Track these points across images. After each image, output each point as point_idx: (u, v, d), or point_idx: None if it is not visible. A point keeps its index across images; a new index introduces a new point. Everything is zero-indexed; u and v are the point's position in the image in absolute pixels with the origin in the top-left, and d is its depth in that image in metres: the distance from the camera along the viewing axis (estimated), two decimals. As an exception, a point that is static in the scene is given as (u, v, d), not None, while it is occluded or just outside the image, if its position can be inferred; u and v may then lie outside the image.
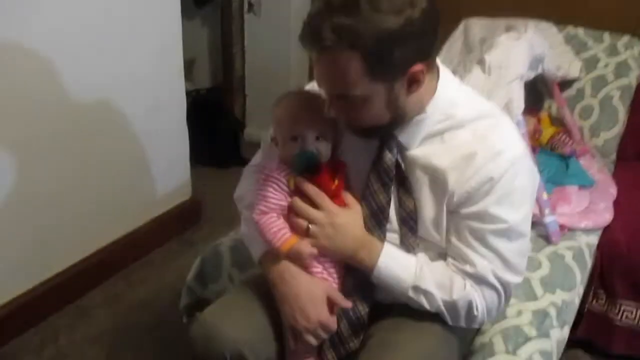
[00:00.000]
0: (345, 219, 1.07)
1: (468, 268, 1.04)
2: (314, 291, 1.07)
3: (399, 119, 1.02)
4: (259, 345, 1.10)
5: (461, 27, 2.32)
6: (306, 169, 1.06)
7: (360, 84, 0.93)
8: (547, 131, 2.11)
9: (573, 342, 1.78)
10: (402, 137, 1.05)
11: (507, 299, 1.09)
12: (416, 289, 1.06)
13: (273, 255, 1.10)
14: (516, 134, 1.05)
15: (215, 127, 2.99)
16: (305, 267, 1.09)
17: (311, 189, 1.06)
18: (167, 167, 2.26)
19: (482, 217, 1.02)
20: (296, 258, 1.08)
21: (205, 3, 3.15)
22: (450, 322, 1.08)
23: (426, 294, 1.05)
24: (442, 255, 1.09)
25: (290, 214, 1.09)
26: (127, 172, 2.10)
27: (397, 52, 0.91)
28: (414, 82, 0.96)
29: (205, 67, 3.41)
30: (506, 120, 1.06)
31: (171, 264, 2.18)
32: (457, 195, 1.02)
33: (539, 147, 2.09)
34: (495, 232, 1.02)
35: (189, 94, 3.12)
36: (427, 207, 1.06)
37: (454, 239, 1.06)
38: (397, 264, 1.06)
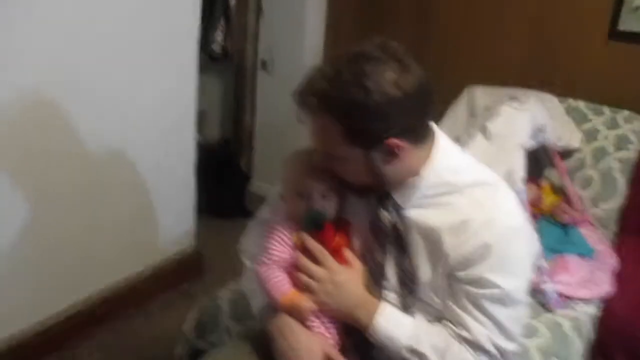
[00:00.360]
0: (345, 276, 1.09)
1: (464, 333, 1.04)
2: (312, 348, 1.07)
3: (381, 183, 1.05)
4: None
5: (465, 94, 2.40)
6: (312, 226, 1.09)
7: (339, 146, 0.99)
8: (549, 199, 2.14)
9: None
10: (398, 198, 1.08)
11: None
12: (411, 350, 1.06)
13: (273, 309, 1.12)
14: (514, 202, 1.07)
15: (222, 179, 3.04)
16: (304, 322, 1.10)
17: (314, 246, 1.09)
18: (173, 216, 2.29)
19: (477, 282, 1.03)
20: (295, 312, 1.09)
21: (220, 59, 3.26)
22: None
23: (421, 356, 1.05)
24: (440, 317, 1.10)
25: (293, 269, 1.10)
26: (132, 220, 2.12)
27: (373, 126, 0.97)
28: (391, 155, 1.00)
29: (216, 120, 3.49)
30: (504, 189, 1.08)
31: (169, 315, 2.17)
32: (452, 259, 1.04)
33: (540, 214, 2.11)
34: (491, 298, 1.03)
35: (197, 145, 3.22)
36: (425, 269, 1.08)
37: (450, 303, 1.07)
38: (394, 324, 1.07)
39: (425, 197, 1.07)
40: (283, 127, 3.13)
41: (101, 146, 1.90)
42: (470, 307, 1.04)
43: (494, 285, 1.02)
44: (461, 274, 1.04)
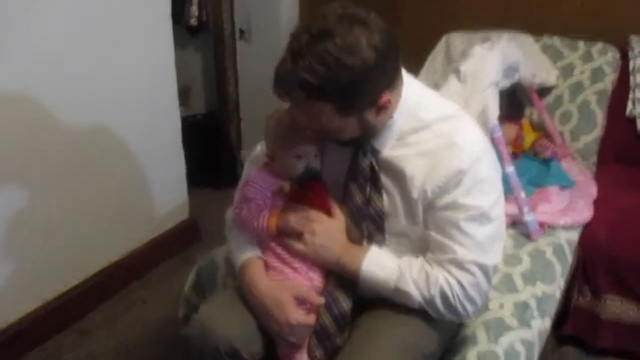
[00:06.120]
0: (333, 227, 1.15)
1: (448, 257, 1.10)
2: (277, 297, 1.14)
3: (371, 133, 1.12)
4: (250, 340, 1.16)
5: (443, 41, 2.42)
6: (307, 181, 1.17)
7: (333, 122, 1.05)
8: (529, 137, 2.19)
9: (563, 339, 1.83)
10: (375, 142, 1.14)
11: (489, 283, 1.13)
12: (397, 290, 1.12)
13: (245, 267, 1.20)
14: (478, 131, 1.13)
15: (212, 150, 3.08)
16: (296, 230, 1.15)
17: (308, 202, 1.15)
18: (165, 188, 2.34)
19: (454, 206, 1.09)
20: (285, 229, 1.15)
21: (199, 32, 3.26)
22: (433, 315, 1.13)
23: (406, 293, 1.12)
24: (416, 250, 1.16)
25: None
26: (125, 195, 2.16)
27: (363, 95, 1.02)
28: (382, 109, 1.07)
29: (201, 93, 3.50)
30: (468, 120, 1.15)
31: (169, 283, 2.23)
32: (430, 191, 1.10)
33: (522, 152, 2.16)
34: (468, 219, 1.09)
35: (185, 119, 3.23)
36: (401, 203, 1.14)
37: (432, 232, 1.12)
38: (380, 268, 1.13)
39: (399, 136, 1.13)
40: (267, 95, 3.15)
41: (87, 123, 1.93)
42: (450, 231, 1.10)
43: (470, 207, 1.08)
44: (439, 202, 1.10)
